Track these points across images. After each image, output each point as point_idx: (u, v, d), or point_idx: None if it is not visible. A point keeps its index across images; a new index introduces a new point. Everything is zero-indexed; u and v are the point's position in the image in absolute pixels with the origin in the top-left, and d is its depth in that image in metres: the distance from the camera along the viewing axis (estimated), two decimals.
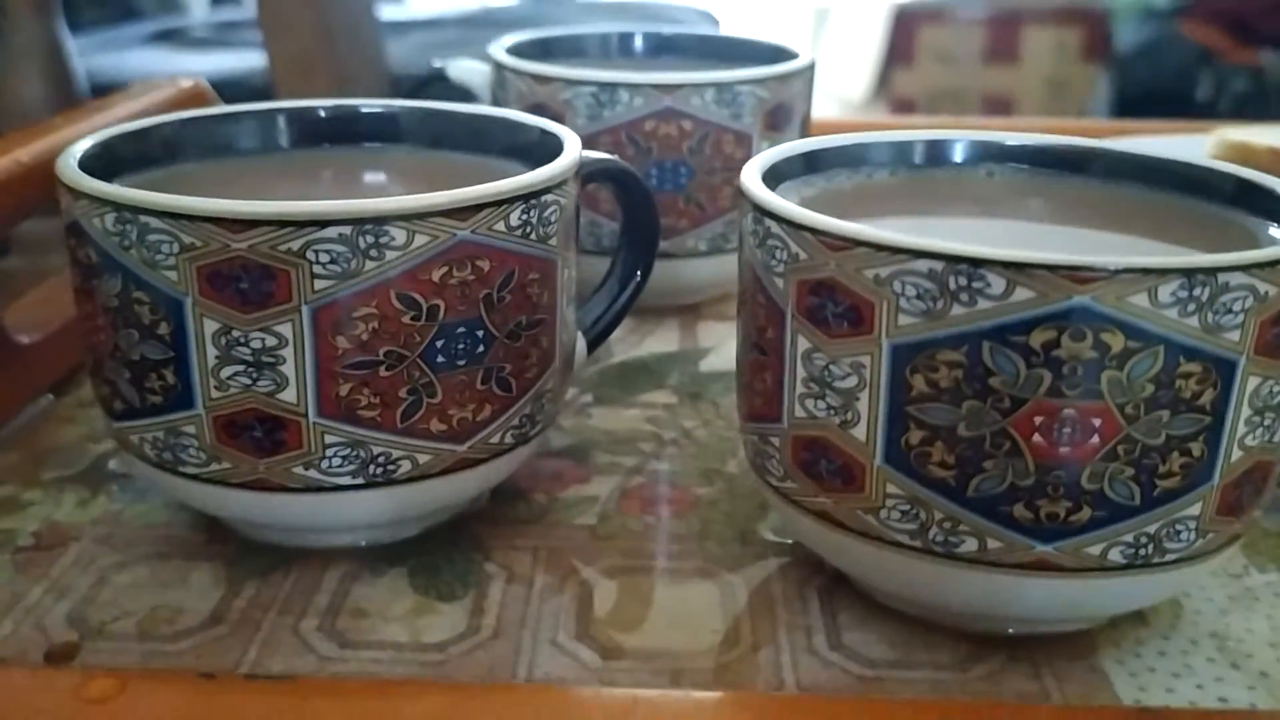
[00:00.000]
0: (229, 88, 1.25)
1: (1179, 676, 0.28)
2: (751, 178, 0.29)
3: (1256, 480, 0.26)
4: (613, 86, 0.44)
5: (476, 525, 0.33)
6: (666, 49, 0.53)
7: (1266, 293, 0.24)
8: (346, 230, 0.27)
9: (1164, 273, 0.23)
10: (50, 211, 0.31)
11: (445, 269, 0.28)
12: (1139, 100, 2.71)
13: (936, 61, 2.98)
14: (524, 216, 0.29)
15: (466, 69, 0.50)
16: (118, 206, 0.27)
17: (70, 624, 0.29)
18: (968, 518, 0.26)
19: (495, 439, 0.31)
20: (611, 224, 0.45)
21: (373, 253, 0.27)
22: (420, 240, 0.27)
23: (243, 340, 0.27)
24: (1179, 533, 0.26)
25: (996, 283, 0.24)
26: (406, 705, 0.23)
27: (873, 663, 0.28)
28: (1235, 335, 0.24)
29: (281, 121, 0.35)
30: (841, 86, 3.07)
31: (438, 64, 0.51)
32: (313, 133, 0.36)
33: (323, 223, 0.26)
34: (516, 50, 0.49)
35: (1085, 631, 0.29)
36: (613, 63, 0.51)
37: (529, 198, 0.29)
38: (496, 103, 0.48)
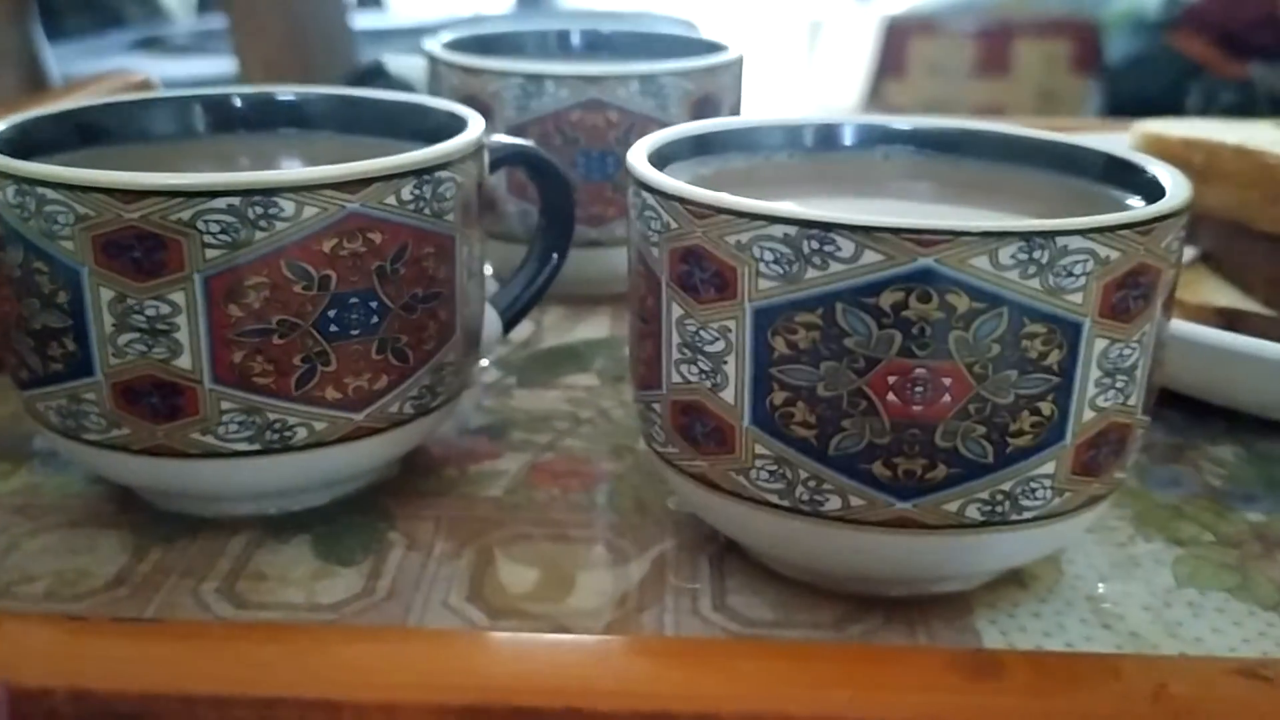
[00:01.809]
0: None
1: (1049, 635, 0.29)
2: (637, 154, 0.30)
3: (1113, 441, 0.27)
4: (539, 78, 0.45)
5: (384, 496, 0.34)
6: (603, 46, 0.54)
7: (1107, 256, 0.25)
8: (235, 201, 0.28)
9: (1003, 235, 0.24)
10: None
11: (336, 240, 0.29)
12: (1129, 112, 2.72)
13: (928, 73, 3.00)
14: (416, 191, 0.30)
15: (405, 63, 0.51)
16: (17, 179, 0.28)
17: None
18: (830, 476, 0.26)
19: (394, 409, 0.31)
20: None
21: (262, 223, 0.28)
22: (310, 212, 0.28)
23: (138, 308, 0.28)
24: (1034, 490, 0.27)
25: (846, 246, 0.25)
26: (263, 646, 0.24)
27: (752, 622, 0.29)
28: (1078, 297, 0.25)
29: (199, 108, 0.36)
30: (833, 98, 3.08)
31: (377, 59, 0.52)
32: (230, 119, 0.37)
33: (211, 193, 0.27)
34: (454, 45, 0.50)
35: (962, 594, 0.30)
36: (549, 58, 0.52)
37: (420, 173, 0.30)
38: (432, 94, 0.49)
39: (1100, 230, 0.25)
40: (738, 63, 0.48)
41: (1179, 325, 0.38)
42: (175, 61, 1.28)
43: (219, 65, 1.11)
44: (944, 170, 0.34)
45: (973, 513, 0.26)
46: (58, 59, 1.02)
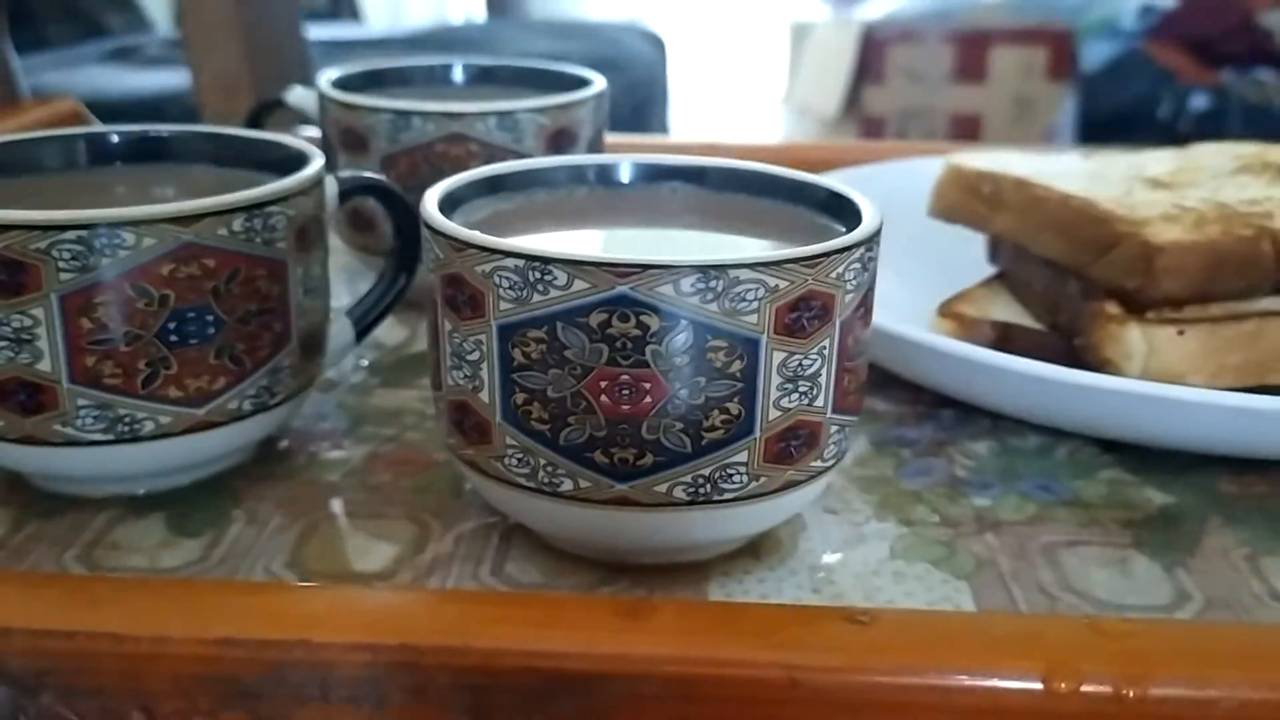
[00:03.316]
0: (171, 104, 1.33)
1: (766, 598, 0.35)
2: (429, 197, 0.35)
3: (804, 436, 0.33)
4: (407, 114, 0.51)
5: (236, 480, 0.40)
6: (487, 79, 0.60)
7: (776, 285, 0.31)
8: (84, 233, 0.34)
9: (683, 268, 0.30)
10: None
11: (173, 265, 0.35)
12: (1104, 119, 2.78)
13: (906, 79, 3.05)
14: (247, 224, 0.36)
15: (301, 96, 0.57)
16: None
17: None
18: (563, 463, 0.32)
19: (232, 405, 0.37)
20: None
21: (108, 251, 0.34)
22: (149, 242, 0.34)
23: (5, 320, 0.34)
24: (731, 476, 0.32)
25: (561, 276, 0.30)
26: (76, 592, 0.30)
27: (520, 585, 0.35)
28: (753, 318, 0.31)
29: (81, 144, 0.42)
30: (814, 103, 3.13)
31: (278, 95, 0.57)
32: (109, 153, 0.42)
33: (63, 227, 0.33)
34: (345, 81, 0.56)
35: (702, 563, 0.36)
36: (433, 91, 0.58)
37: (250, 209, 0.36)
38: (323, 127, 0.54)
39: (767, 264, 0.30)
40: (596, 98, 0.54)
41: (945, 342, 0.43)
42: (144, 73, 1.34)
43: (187, 77, 1.17)
44: (716, 204, 0.39)
45: (679, 493, 0.32)
46: (33, 69, 1.08)
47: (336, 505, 0.39)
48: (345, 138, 0.52)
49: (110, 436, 0.36)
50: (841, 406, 0.34)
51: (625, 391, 0.31)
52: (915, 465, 0.42)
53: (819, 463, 0.34)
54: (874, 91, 3.11)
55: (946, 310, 0.48)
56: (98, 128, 0.43)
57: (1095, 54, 2.97)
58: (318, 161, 0.40)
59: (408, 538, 0.37)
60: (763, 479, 0.33)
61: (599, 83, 0.56)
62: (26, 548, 0.36)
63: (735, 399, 0.31)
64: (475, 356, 0.33)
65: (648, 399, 0.31)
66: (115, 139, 0.42)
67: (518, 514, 0.35)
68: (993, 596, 0.35)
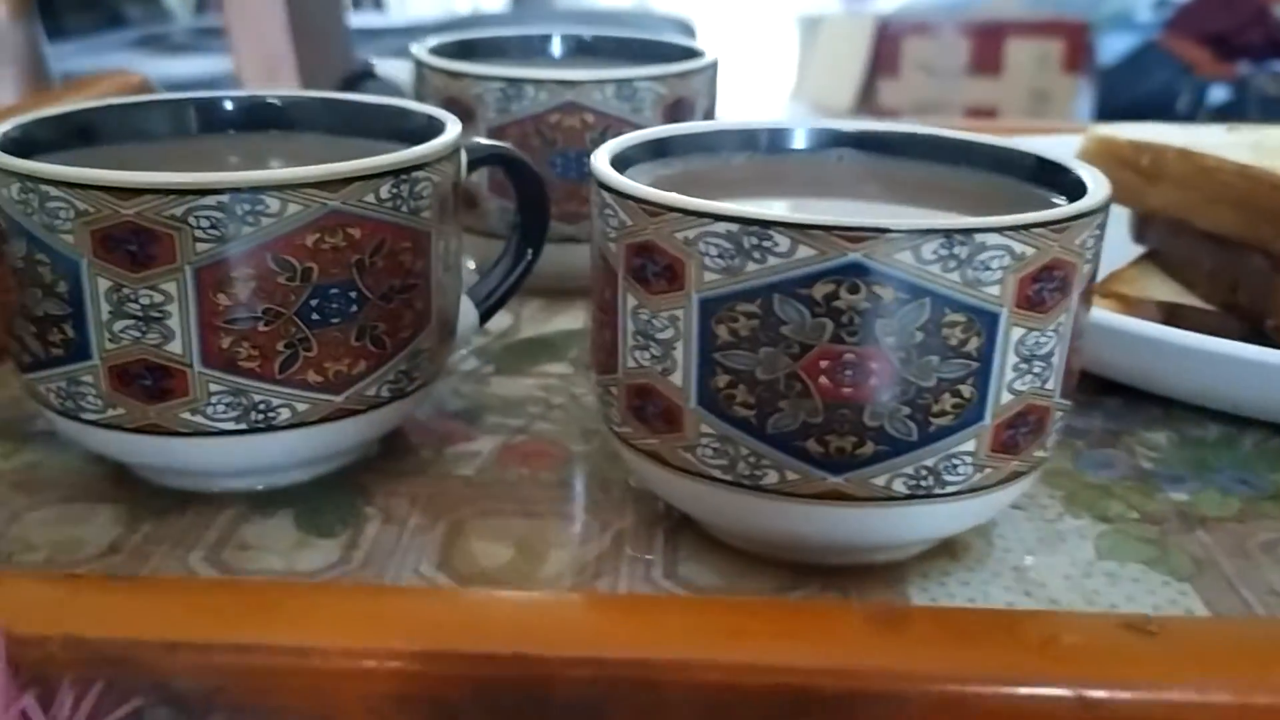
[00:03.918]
0: (204, 90, 1.28)
1: (974, 601, 0.31)
2: (599, 157, 0.32)
3: (1032, 422, 0.30)
4: (519, 82, 0.47)
5: (364, 475, 0.37)
6: (585, 50, 0.56)
7: (1023, 252, 0.27)
8: (225, 199, 0.30)
9: (926, 233, 0.26)
10: None
11: (318, 235, 0.31)
12: (1122, 111, 2.75)
13: (921, 73, 3.02)
14: (394, 190, 0.32)
15: (393, 66, 0.53)
16: (21, 177, 0.30)
17: None
18: (769, 453, 0.29)
19: (371, 391, 0.34)
20: None
21: (249, 219, 0.30)
22: (293, 209, 0.31)
23: (133, 297, 0.31)
24: (956, 467, 0.29)
25: (783, 242, 0.27)
26: (245, 598, 0.26)
27: (700, 589, 0.31)
28: (995, 290, 0.27)
29: (191, 110, 0.39)
30: (828, 98, 3.10)
31: (370, 61, 0.54)
32: (221, 120, 0.39)
33: (202, 191, 0.30)
34: (440, 50, 0.52)
35: (897, 564, 0.32)
36: (531, 62, 0.55)
37: (398, 173, 0.32)
38: (418, 97, 0.51)
39: (1016, 228, 0.27)
40: (711, 67, 0.51)
41: (1120, 319, 0.40)
42: (175, 60, 1.30)
43: (219, 64, 1.13)
44: (891, 172, 0.36)
45: (899, 486, 0.29)
46: (58, 58, 1.05)
47: (478, 502, 0.35)
48: (449, 108, 0.48)
49: (242, 426, 0.32)
50: (1066, 390, 0.30)
51: (848, 372, 0.28)
52: (1093, 457, 0.39)
53: (1041, 453, 0.31)
54: (888, 85, 3.08)
55: (1105, 290, 0.45)
56: (209, 92, 0.39)
57: (1111, 47, 2.94)
58: (454, 126, 0.36)
59: (564, 537, 0.34)
60: (987, 470, 0.29)
61: (711, 52, 0.52)
62: (145, 550, 0.33)
63: (968, 381, 0.28)
64: (667, 334, 0.29)
65: (873, 380, 0.28)
66: (228, 105, 0.39)
67: (706, 510, 0.32)
68: (1223, 600, 0.31)
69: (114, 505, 0.35)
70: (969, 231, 0.27)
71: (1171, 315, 0.44)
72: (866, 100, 3.06)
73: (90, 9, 1.52)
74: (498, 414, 0.41)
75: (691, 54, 0.53)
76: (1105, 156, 0.48)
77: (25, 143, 0.34)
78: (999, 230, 0.27)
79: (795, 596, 0.31)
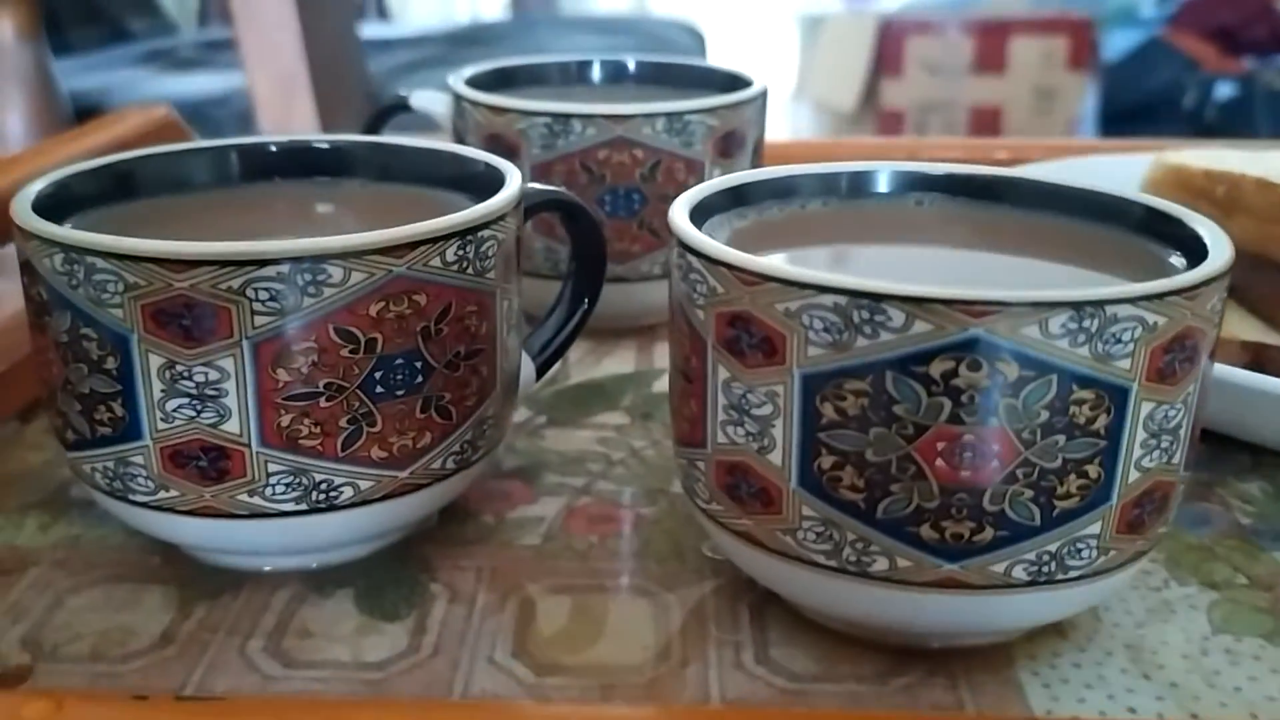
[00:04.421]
0: (213, 108, 1.27)
1: (1091, 687, 0.29)
2: (679, 213, 0.30)
3: (1157, 500, 0.28)
4: (566, 117, 0.45)
5: (424, 546, 0.35)
6: (624, 77, 0.54)
7: (1155, 323, 0.25)
8: (285, 269, 0.28)
9: (1054, 306, 0.24)
10: None
11: (382, 304, 0.29)
12: (1127, 109, 2.73)
13: (924, 72, 3.00)
14: (460, 252, 0.30)
15: (429, 99, 0.51)
16: (65, 248, 0.28)
17: (24, 647, 0.30)
18: (878, 538, 0.27)
19: (437, 464, 0.32)
20: (566, 248, 0.46)
21: (311, 289, 0.28)
22: (357, 277, 0.29)
23: (187, 374, 0.28)
24: (1080, 551, 0.27)
25: (897, 316, 0.25)
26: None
27: (797, 676, 0.29)
28: (1126, 364, 0.25)
29: (233, 156, 0.36)
30: (831, 98, 3.08)
31: (402, 93, 0.52)
32: (264, 167, 0.37)
33: (261, 262, 0.28)
34: (476, 80, 0.50)
35: (1003, 644, 0.30)
36: (571, 91, 0.53)
37: (465, 234, 0.30)
38: (457, 132, 0.49)
39: (1149, 298, 0.25)
40: (761, 96, 0.49)
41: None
42: (184, 76, 1.28)
43: (229, 79, 1.11)
44: (979, 217, 0.34)
45: (1019, 573, 0.27)
46: (63, 74, 1.02)
47: (547, 575, 0.33)
48: (490, 145, 0.46)
49: (303, 506, 0.30)
50: (1189, 463, 0.28)
51: (967, 454, 0.25)
52: (1189, 512, 0.37)
53: (1162, 529, 0.29)
54: (892, 85, 3.06)
55: None
56: (252, 139, 0.37)
57: (1116, 43, 2.93)
58: (515, 176, 0.34)
59: (643, 615, 0.32)
60: (1112, 553, 0.27)
61: (759, 81, 0.50)
62: (201, 637, 0.30)
63: (1095, 460, 0.26)
64: (765, 411, 0.27)
65: (994, 463, 0.26)
66: (272, 149, 0.37)
67: (805, 595, 0.29)
68: None
69: (163, 587, 0.33)
70: (1100, 303, 0.25)
71: (1258, 356, 0.42)
72: (869, 100, 3.04)
73: (93, 23, 1.50)
74: (557, 472, 0.39)
75: (737, 81, 0.51)
76: (1175, 186, 0.46)
77: (61, 199, 0.32)
78: (1132, 300, 0.25)
79: (899, 684, 0.29)
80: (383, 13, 1.78)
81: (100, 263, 0.28)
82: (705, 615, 0.32)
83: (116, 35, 1.54)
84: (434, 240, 0.29)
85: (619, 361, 0.48)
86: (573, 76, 0.54)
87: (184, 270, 0.27)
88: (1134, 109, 2.83)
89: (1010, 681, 0.29)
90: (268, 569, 0.33)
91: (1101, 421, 0.26)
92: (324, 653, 0.30)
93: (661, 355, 0.48)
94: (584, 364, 0.47)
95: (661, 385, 0.45)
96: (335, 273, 0.28)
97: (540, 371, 0.38)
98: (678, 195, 0.46)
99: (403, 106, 0.51)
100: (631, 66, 0.54)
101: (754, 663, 0.30)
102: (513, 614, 0.32)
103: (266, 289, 0.28)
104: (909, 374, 0.25)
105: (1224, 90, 2.73)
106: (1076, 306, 0.24)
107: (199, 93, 1.27)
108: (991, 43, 2.96)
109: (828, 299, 0.25)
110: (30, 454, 0.40)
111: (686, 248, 0.28)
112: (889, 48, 3.01)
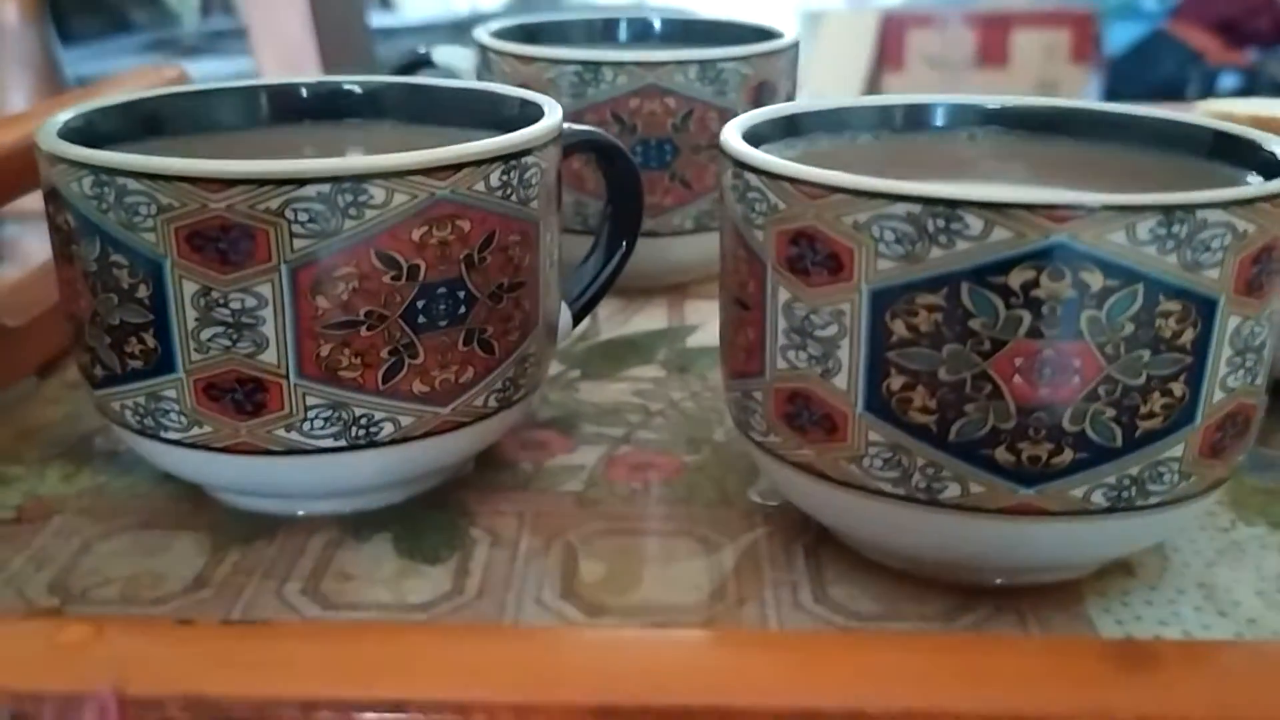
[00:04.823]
0: None
1: (1165, 624, 0.28)
2: (732, 135, 0.29)
3: (1239, 422, 0.26)
4: (596, 65, 0.44)
5: (462, 492, 0.33)
6: (650, 35, 0.53)
7: (1245, 230, 0.24)
8: (325, 188, 0.27)
9: (1142, 209, 0.23)
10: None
11: (425, 228, 0.28)
12: (1131, 101, 2.72)
13: (926, 65, 2.99)
14: (504, 177, 0.29)
15: (451, 53, 0.50)
16: (95, 169, 0.27)
17: (51, 591, 0.29)
18: (950, 463, 0.25)
19: (479, 402, 0.30)
20: (596, 202, 0.45)
21: (352, 211, 0.27)
22: (400, 199, 0.27)
23: (222, 301, 0.27)
24: (1161, 475, 0.26)
25: (974, 223, 0.24)
26: (381, 646, 0.23)
27: (859, 615, 0.28)
28: (1215, 273, 0.24)
29: (263, 97, 0.35)
30: (833, 92, 3.07)
31: (423, 49, 0.51)
32: (294, 109, 0.36)
33: (301, 180, 0.26)
34: (501, 35, 0.49)
35: (1072, 582, 0.29)
36: (597, 47, 0.51)
37: (509, 158, 0.29)
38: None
39: (1240, 203, 0.24)
40: (794, 47, 0.48)
41: None
42: (189, 63, 1.27)
43: (234, 66, 1.10)
44: (1035, 151, 0.33)
45: (1098, 498, 0.26)
46: (69, 61, 1.01)
47: (591, 520, 0.32)
48: None
49: (342, 443, 0.29)
50: (1268, 386, 0.27)
51: (1047, 370, 0.24)
52: (1251, 456, 0.36)
53: (1240, 457, 0.27)
54: (894, 79, 3.06)
55: None
56: (284, 79, 0.36)
57: (1119, 35, 2.92)
58: (555, 109, 0.33)
59: (694, 557, 0.30)
60: (1192, 478, 0.26)
61: (791, 31, 0.49)
62: (236, 581, 0.29)
63: (1181, 378, 0.25)
64: (830, 332, 0.26)
65: (1075, 379, 0.24)
66: (303, 92, 0.35)
67: (869, 527, 0.28)
68: None
69: (193, 532, 0.31)
70: (1190, 207, 0.23)
71: None
72: (872, 94, 3.03)
73: (96, 13, 1.49)
74: (594, 423, 0.38)
75: (767, 34, 0.50)
76: None
77: (89, 133, 0.31)
78: (1223, 205, 0.24)
79: (967, 622, 0.28)
80: (385, 3, 1.77)
81: (132, 184, 0.27)
82: (759, 557, 0.31)
83: (118, 26, 1.53)
84: (478, 163, 0.28)
85: (649, 318, 0.46)
86: (598, 34, 0.53)
87: (220, 190, 0.26)
88: (1138, 101, 2.81)
89: (1081, 617, 0.28)
90: (301, 514, 0.32)
91: (1188, 335, 0.24)
92: (365, 595, 0.29)
93: (694, 312, 0.47)
94: (614, 321, 0.46)
95: (696, 340, 0.44)
96: (377, 194, 0.27)
97: (577, 318, 0.37)
98: (710, 146, 0.45)
99: (426, 62, 0.50)
100: (658, 25, 0.53)
101: (813, 602, 0.29)
102: (558, 557, 0.30)
103: (306, 210, 0.27)
104: (986, 285, 0.24)
105: (1228, 82, 2.72)
106: (1166, 210, 0.23)
107: (205, 77, 1.26)
108: (994, 36, 2.95)
109: (900, 208, 0.24)
110: (49, 408, 0.39)
111: (744, 165, 0.27)
112: (891, 41, 3.00)
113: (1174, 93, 2.64)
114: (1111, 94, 2.77)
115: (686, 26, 0.53)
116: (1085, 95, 2.89)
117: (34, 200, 0.37)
